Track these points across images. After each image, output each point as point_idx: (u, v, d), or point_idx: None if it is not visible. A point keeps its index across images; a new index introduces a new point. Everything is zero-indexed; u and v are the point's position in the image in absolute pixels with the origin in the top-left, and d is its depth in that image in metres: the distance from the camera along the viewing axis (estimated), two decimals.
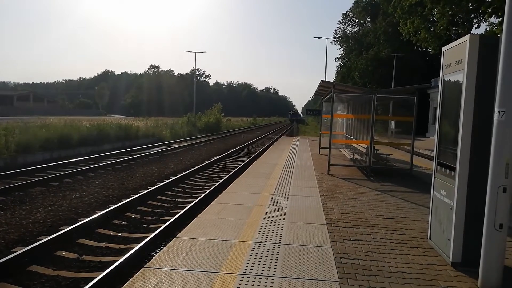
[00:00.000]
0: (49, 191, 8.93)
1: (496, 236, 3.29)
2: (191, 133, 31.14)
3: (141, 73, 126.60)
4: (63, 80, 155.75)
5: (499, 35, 3.58)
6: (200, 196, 8.52)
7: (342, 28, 58.54)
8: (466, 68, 3.68)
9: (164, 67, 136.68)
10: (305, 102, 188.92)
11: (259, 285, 3.30)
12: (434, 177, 4.44)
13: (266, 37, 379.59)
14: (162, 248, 4.55)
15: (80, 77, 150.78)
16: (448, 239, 3.91)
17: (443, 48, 4.36)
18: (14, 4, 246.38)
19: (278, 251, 4.13)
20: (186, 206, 7.51)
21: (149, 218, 7.22)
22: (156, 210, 7.76)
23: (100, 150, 17.70)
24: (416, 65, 41.73)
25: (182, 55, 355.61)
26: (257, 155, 16.33)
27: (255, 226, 5.01)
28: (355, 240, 4.64)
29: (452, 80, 4.13)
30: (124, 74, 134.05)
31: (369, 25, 54.38)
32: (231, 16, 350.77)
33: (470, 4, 17.04)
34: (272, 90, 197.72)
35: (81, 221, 6.43)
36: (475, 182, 3.68)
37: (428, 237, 4.61)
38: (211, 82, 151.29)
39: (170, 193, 9.20)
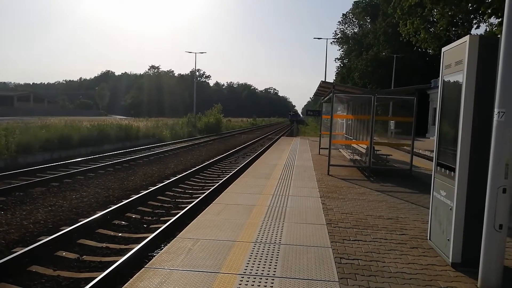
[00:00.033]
0: (50, 191, 8.93)
1: (496, 236, 3.30)
2: (191, 134, 31.13)
3: (142, 73, 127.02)
4: (63, 80, 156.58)
5: (498, 36, 3.58)
6: (200, 196, 8.53)
7: (342, 29, 58.75)
8: (465, 68, 3.68)
9: (164, 68, 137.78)
10: (305, 103, 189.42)
11: (259, 285, 3.31)
12: (434, 178, 4.44)
13: (266, 37, 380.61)
14: (162, 248, 4.56)
15: (81, 78, 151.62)
16: (448, 240, 3.92)
17: (443, 49, 4.36)
18: (14, 4, 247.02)
19: (278, 251, 4.14)
20: (187, 207, 7.51)
21: (150, 218, 7.23)
22: (157, 211, 7.76)
23: (101, 151, 17.72)
24: (416, 66, 41.75)
25: (182, 56, 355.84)
26: (257, 155, 16.33)
27: (255, 226, 5.01)
28: (355, 240, 4.64)
29: (452, 80, 4.13)
30: (125, 74, 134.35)
31: (369, 26, 54.43)
32: (231, 16, 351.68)
33: (469, 4, 17.04)
34: (272, 90, 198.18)
35: (81, 221, 6.44)
36: (475, 183, 3.68)
37: (428, 238, 4.61)
38: (211, 82, 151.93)
39: (170, 193, 9.20)
